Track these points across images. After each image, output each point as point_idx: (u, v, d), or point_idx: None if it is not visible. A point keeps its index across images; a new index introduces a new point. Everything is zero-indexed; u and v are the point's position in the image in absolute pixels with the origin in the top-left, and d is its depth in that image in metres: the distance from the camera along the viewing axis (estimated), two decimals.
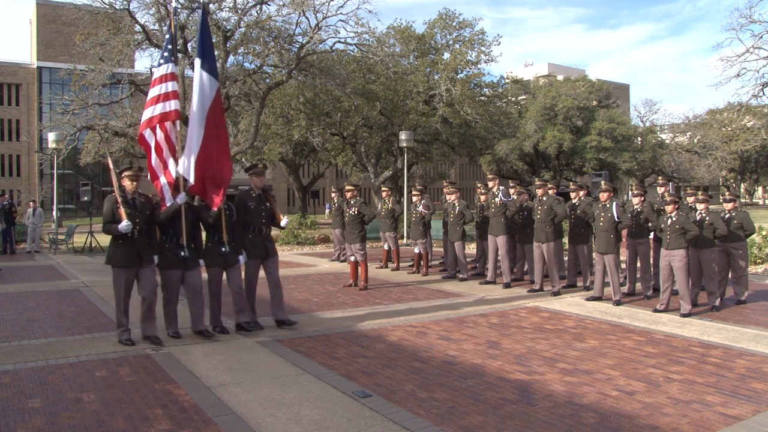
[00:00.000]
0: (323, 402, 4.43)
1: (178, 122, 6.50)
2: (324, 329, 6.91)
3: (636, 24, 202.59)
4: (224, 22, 20.95)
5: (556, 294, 9.20)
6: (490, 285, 10.22)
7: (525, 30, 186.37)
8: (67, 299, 9.09)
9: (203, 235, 6.74)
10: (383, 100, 27.35)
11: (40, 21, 53.22)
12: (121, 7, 19.84)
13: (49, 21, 52.14)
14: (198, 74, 6.50)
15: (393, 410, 4.25)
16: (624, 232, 8.97)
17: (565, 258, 10.51)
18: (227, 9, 21.40)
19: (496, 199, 10.22)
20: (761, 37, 27.45)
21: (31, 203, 18.63)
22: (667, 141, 51.42)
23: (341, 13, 21.53)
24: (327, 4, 20.89)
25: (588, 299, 8.74)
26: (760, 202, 78.58)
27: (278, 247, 18.03)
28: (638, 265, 9.09)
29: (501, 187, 10.63)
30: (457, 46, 30.17)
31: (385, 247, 12.98)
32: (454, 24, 30.57)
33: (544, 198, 9.40)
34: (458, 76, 28.62)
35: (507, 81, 37.71)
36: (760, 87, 28.80)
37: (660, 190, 9.54)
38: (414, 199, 12.32)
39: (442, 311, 8.00)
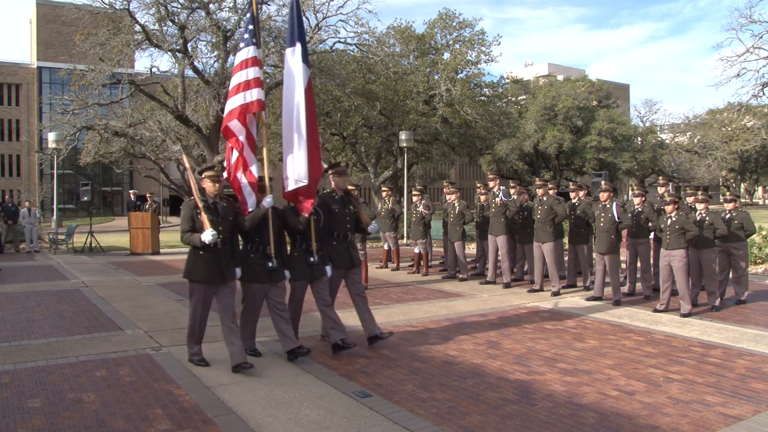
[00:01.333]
0: (323, 402, 4.43)
1: (263, 114, 5.81)
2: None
3: (636, 24, 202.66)
4: (224, 22, 20.95)
5: (556, 294, 9.20)
6: (490, 285, 10.22)
7: (525, 30, 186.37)
8: (67, 299, 9.09)
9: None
10: (383, 100, 27.36)
11: (40, 21, 53.24)
12: (121, 7, 19.85)
13: (49, 21, 52.16)
14: (295, 62, 5.74)
15: (393, 410, 4.25)
16: (624, 232, 8.97)
17: (565, 258, 10.51)
18: (227, 9, 21.42)
19: (497, 199, 10.22)
20: (761, 37, 27.46)
21: (26, 203, 18.60)
22: (667, 141, 51.43)
23: (341, 13, 21.61)
24: (327, 4, 20.93)
25: (588, 299, 8.74)
26: (760, 202, 78.58)
27: None
28: (638, 265, 9.10)
29: (501, 187, 10.63)
30: (457, 46, 30.17)
31: (385, 247, 12.98)
32: (454, 24, 30.58)
33: (545, 198, 9.40)
34: (458, 76, 28.63)
35: (507, 81, 37.71)
36: (760, 87, 28.81)
37: (660, 190, 9.54)
38: (414, 199, 12.32)
39: (442, 311, 8.00)
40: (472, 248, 13.85)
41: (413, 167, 35.06)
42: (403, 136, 21.65)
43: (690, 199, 8.92)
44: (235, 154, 5.53)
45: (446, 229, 11.37)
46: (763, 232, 13.03)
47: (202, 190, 5.22)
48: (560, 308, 8.19)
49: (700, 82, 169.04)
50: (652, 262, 9.15)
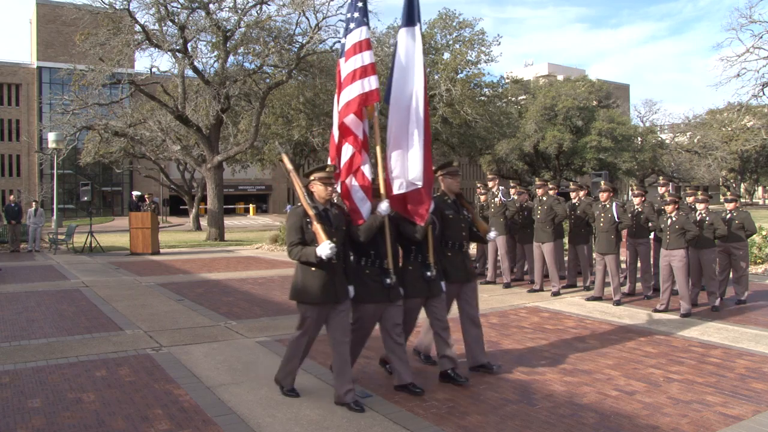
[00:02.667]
0: (323, 402, 4.43)
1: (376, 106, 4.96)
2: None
3: (637, 24, 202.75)
4: (224, 22, 20.97)
5: (556, 294, 9.20)
6: (490, 285, 10.22)
7: (525, 30, 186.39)
8: (67, 299, 9.09)
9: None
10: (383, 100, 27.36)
11: (40, 21, 53.26)
12: (121, 7, 19.87)
13: (49, 21, 52.18)
14: (415, 45, 4.94)
15: (393, 410, 4.25)
16: (624, 232, 8.97)
17: (566, 258, 10.51)
18: (227, 9, 21.43)
19: (496, 199, 10.22)
20: (761, 37, 27.48)
21: (33, 203, 18.63)
22: (667, 141, 51.46)
23: (341, 13, 21.55)
24: (327, 4, 20.93)
25: (588, 299, 8.74)
26: (760, 202, 78.60)
27: (278, 247, 18.10)
28: (638, 265, 9.09)
29: (501, 187, 10.63)
30: (457, 46, 30.21)
31: None
32: (454, 24, 30.62)
33: (544, 198, 9.40)
34: (458, 76, 28.67)
35: (507, 81, 37.76)
36: (760, 87, 28.83)
37: (660, 190, 9.54)
38: None
39: None
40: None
41: None
42: None
43: (690, 199, 8.92)
44: (349, 153, 4.67)
45: None
46: (764, 232, 13.03)
47: (310, 195, 4.39)
48: (560, 308, 8.19)
49: (700, 82, 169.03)
50: (652, 262, 9.15)
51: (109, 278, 11.56)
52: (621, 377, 5.03)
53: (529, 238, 10.04)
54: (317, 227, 4.21)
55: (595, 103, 44.27)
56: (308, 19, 21.50)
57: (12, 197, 19.20)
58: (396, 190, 4.80)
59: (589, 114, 41.14)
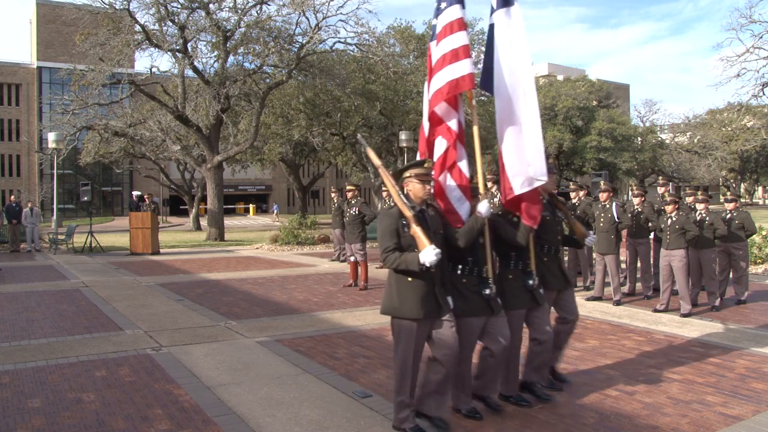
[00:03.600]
0: (323, 402, 4.43)
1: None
2: (324, 329, 6.91)
3: (637, 24, 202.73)
4: (224, 22, 20.97)
5: None
6: None
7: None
8: (67, 299, 9.09)
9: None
10: (383, 100, 27.38)
11: (40, 21, 53.26)
12: (121, 7, 19.87)
13: (49, 21, 52.19)
14: (517, 26, 4.37)
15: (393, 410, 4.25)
16: (624, 233, 8.97)
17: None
18: (227, 9, 21.44)
19: (495, 200, 10.20)
20: (761, 37, 27.48)
21: (29, 203, 18.63)
22: (667, 141, 51.46)
23: (341, 13, 21.61)
24: (327, 4, 20.93)
25: (588, 299, 8.74)
26: (760, 202, 78.60)
27: (278, 247, 18.10)
28: (638, 265, 9.09)
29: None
30: None
31: None
32: None
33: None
34: None
35: None
36: (760, 87, 28.83)
37: (660, 190, 9.54)
38: None
39: None
40: None
41: None
42: (403, 136, 21.66)
43: (690, 199, 8.91)
44: (443, 147, 4.15)
45: None
46: (763, 232, 13.03)
47: (405, 195, 3.85)
48: None
49: (700, 82, 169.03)
50: (652, 262, 9.15)
51: (109, 278, 11.56)
52: (621, 377, 5.02)
53: None
54: (417, 231, 3.66)
55: (595, 103, 44.29)
56: (308, 19, 21.53)
57: (12, 197, 19.20)
58: (518, 190, 4.20)
59: (589, 114, 41.15)
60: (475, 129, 4.24)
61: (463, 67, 4.09)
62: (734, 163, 53.43)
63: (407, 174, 3.86)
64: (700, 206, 8.42)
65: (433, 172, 4.04)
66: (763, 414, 4.19)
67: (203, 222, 31.23)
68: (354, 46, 23.41)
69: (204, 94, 21.38)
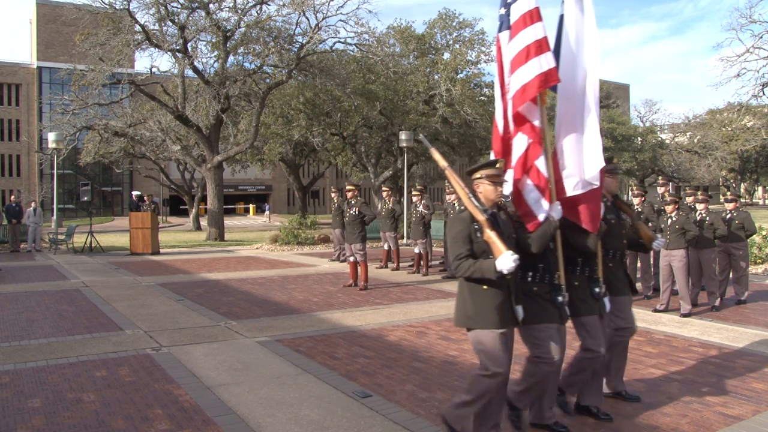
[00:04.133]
0: (323, 402, 4.43)
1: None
2: (324, 329, 6.91)
3: (637, 23, 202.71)
4: (224, 22, 20.97)
5: None
6: None
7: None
8: (67, 299, 9.09)
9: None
10: (383, 100, 27.38)
11: (40, 21, 53.27)
12: (121, 7, 19.87)
13: (49, 21, 52.19)
14: (583, 15, 4.15)
15: (393, 410, 4.25)
16: None
17: None
18: (227, 9, 21.44)
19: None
20: (761, 37, 27.49)
21: (32, 203, 18.65)
22: (667, 141, 51.46)
23: (341, 13, 21.62)
24: (327, 4, 20.94)
25: None
26: (760, 202, 78.61)
27: (278, 247, 18.10)
28: (638, 265, 9.09)
29: None
30: (457, 46, 30.21)
31: (385, 247, 12.99)
32: (454, 24, 30.61)
33: None
34: (458, 76, 28.66)
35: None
36: (760, 87, 28.84)
37: (660, 190, 9.54)
38: (414, 199, 12.32)
39: (442, 311, 7.99)
40: None
41: (413, 167, 35.09)
42: (403, 136, 21.67)
43: (690, 199, 8.91)
44: (524, 145, 3.87)
45: (446, 229, 11.37)
46: (763, 232, 13.04)
47: (476, 196, 3.64)
48: None
49: (700, 82, 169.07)
50: (652, 262, 9.15)
51: (109, 278, 11.56)
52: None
53: None
54: (492, 236, 3.45)
55: None
56: (308, 19, 21.53)
57: (12, 197, 19.20)
58: (570, 192, 3.97)
59: None
60: (546, 126, 3.96)
61: (549, 61, 3.85)
62: (734, 163, 53.44)
63: (478, 175, 3.65)
64: (700, 206, 8.42)
65: (506, 173, 3.85)
66: (763, 414, 4.19)
67: (203, 222, 31.23)
68: (354, 46, 23.42)
69: (204, 94, 21.38)
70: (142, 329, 6.93)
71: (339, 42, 22.96)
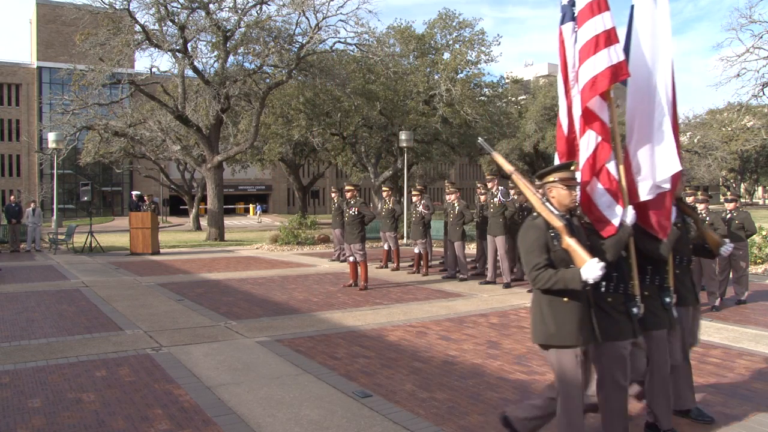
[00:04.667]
0: (323, 402, 4.43)
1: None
2: (324, 329, 6.91)
3: None
4: (224, 22, 20.98)
5: None
6: (490, 285, 10.22)
7: (526, 29, 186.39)
8: (67, 299, 9.09)
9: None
10: (383, 100, 27.39)
11: (40, 21, 53.27)
12: (121, 7, 19.87)
13: (49, 21, 52.20)
14: (656, 7, 3.82)
15: (393, 410, 4.25)
16: None
17: None
18: (227, 9, 21.44)
19: (495, 200, 10.22)
20: (761, 37, 27.47)
21: (31, 203, 18.65)
22: None
23: (341, 13, 21.63)
24: (327, 4, 20.94)
25: None
26: (760, 202, 78.61)
27: (278, 247, 18.10)
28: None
29: (500, 188, 10.64)
30: (457, 46, 30.19)
31: (385, 247, 12.99)
32: (454, 24, 30.60)
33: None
34: (458, 76, 28.66)
35: (507, 81, 37.71)
36: (760, 87, 28.83)
37: None
38: (414, 199, 12.32)
39: (442, 311, 8.00)
40: (472, 248, 13.85)
41: (413, 167, 35.09)
42: (403, 136, 21.67)
43: (690, 199, 8.90)
44: (593, 145, 3.59)
45: (446, 229, 11.37)
46: (764, 232, 13.03)
47: (548, 200, 3.42)
48: None
49: (700, 82, 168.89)
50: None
51: (109, 278, 11.56)
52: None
53: None
54: (572, 243, 3.23)
55: None
56: (308, 19, 21.53)
57: (12, 197, 19.21)
58: (644, 196, 3.73)
59: None
60: (615, 126, 3.68)
61: (618, 53, 3.58)
62: (734, 163, 53.40)
63: (551, 178, 3.40)
64: (700, 206, 8.41)
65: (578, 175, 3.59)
66: (763, 414, 4.19)
67: (203, 222, 31.23)
68: (354, 46, 23.42)
69: (204, 94, 21.38)
70: (142, 329, 6.93)
71: (339, 42, 22.98)
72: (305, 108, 26.94)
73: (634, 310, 3.54)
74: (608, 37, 3.56)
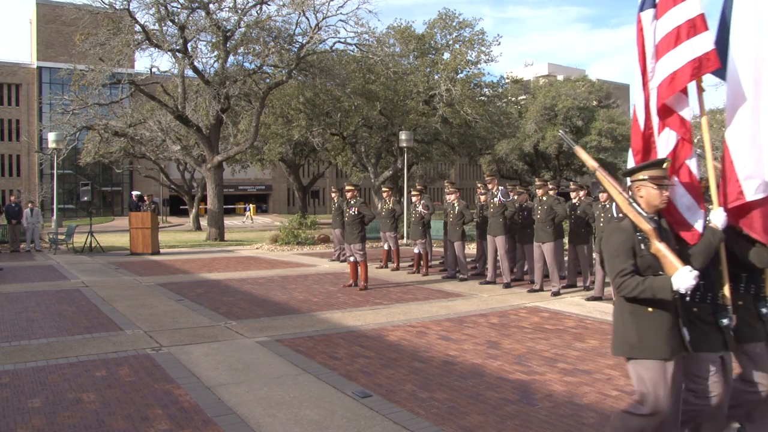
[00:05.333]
0: (323, 402, 4.43)
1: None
2: (324, 329, 6.91)
3: None
4: (224, 22, 20.98)
5: (556, 294, 9.20)
6: (490, 285, 10.22)
7: (526, 29, 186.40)
8: (67, 299, 9.09)
9: None
10: (383, 100, 27.38)
11: (40, 21, 53.27)
12: (121, 7, 19.88)
13: (49, 21, 52.20)
14: None
15: (393, 410, 4.25)
16: None
17: (566, 258, 10.51)
18: (227, 9, 21.44)
19: (495, 200, 10.23)
20: None
21: (30, 204, 18.66)
22: None
23: (341, 13, 21.64)
24: (327, 4, 20.94)
25: (588, 299, 8.74)
26: None
27: (278, 247, 18.10)
28: None
29: (500, 188, 10.64)
30: (457, 46, 30.19)
31: (385, 247, 12.99)
32: (454, 24, 30.60)
33: (544, 198, 9.41)
34: (458, 76, 28.65)
35: (507, 81, 37.71)
36: None
37: None
38: (414, 199, 12.33)
39: (442, 311, 8.00)
40: (472, 248, 13.85)
41: (413, 167, 35.08)
42: (403, 136, 21.67)
43: None
44: (673, 142, 3.32)
45: (446, 229, 11.38)
46: None
47: (635, 201, 3.11)
48: (560, 308, 8.19)
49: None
50: None
51: (109, 278, 11.56)
52: (621, 377, 5.02)
53: (529, 238, 10.05)
54: (662, 248, 2.96)
55: (595, 103, 44.28)
56: (308, 19, 21.53)
57: (12, 197, 19.21)
58: (751, 196, 3.30)
59: (589, 114, 41.15)
60: (704, 120, 3.40)
61: (705, 43, 3.23)
62: None
63: (640, 176, 3.10)
64: None
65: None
66: None
67: (203, 222, 31.23)
68: (354, 46, 23.42)
69: (204, 94, 21.39)
70: (142, 329, 6.93)
71: (339, 42, 22.98)
72: (305, 108, 26.94)
73: (725, 321, 3.22)
74: (693, 26, 3.24)
